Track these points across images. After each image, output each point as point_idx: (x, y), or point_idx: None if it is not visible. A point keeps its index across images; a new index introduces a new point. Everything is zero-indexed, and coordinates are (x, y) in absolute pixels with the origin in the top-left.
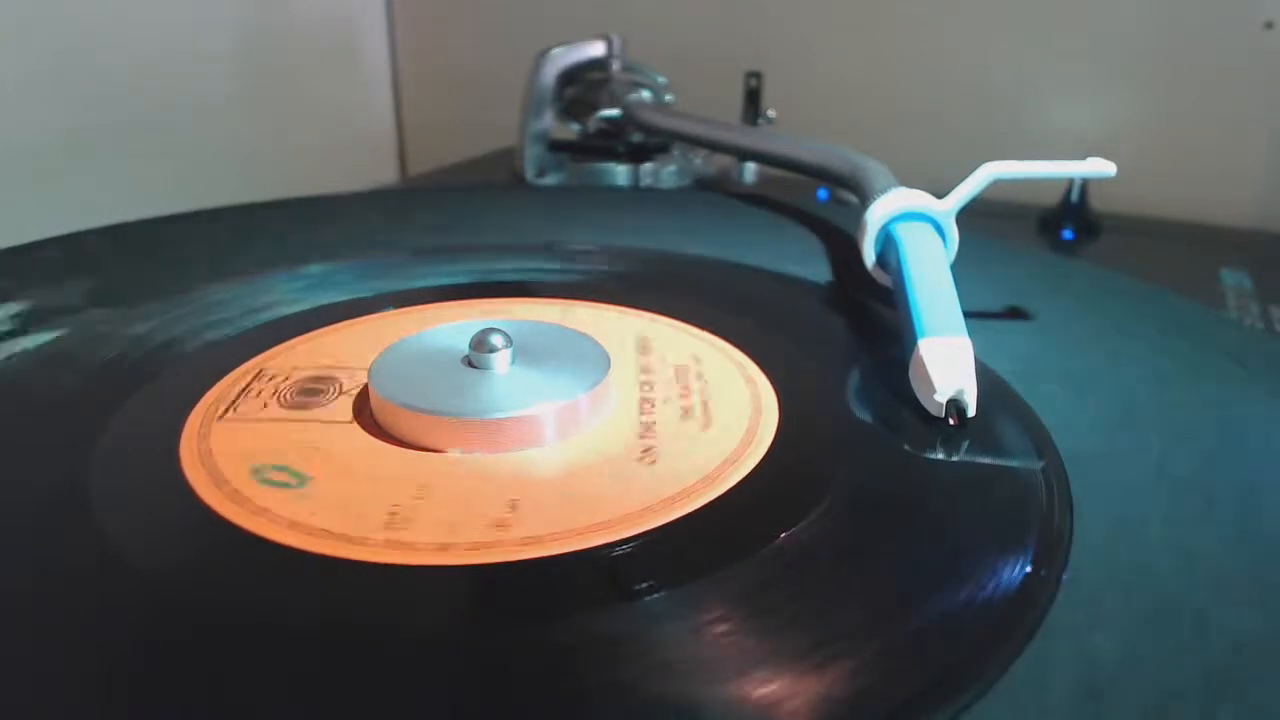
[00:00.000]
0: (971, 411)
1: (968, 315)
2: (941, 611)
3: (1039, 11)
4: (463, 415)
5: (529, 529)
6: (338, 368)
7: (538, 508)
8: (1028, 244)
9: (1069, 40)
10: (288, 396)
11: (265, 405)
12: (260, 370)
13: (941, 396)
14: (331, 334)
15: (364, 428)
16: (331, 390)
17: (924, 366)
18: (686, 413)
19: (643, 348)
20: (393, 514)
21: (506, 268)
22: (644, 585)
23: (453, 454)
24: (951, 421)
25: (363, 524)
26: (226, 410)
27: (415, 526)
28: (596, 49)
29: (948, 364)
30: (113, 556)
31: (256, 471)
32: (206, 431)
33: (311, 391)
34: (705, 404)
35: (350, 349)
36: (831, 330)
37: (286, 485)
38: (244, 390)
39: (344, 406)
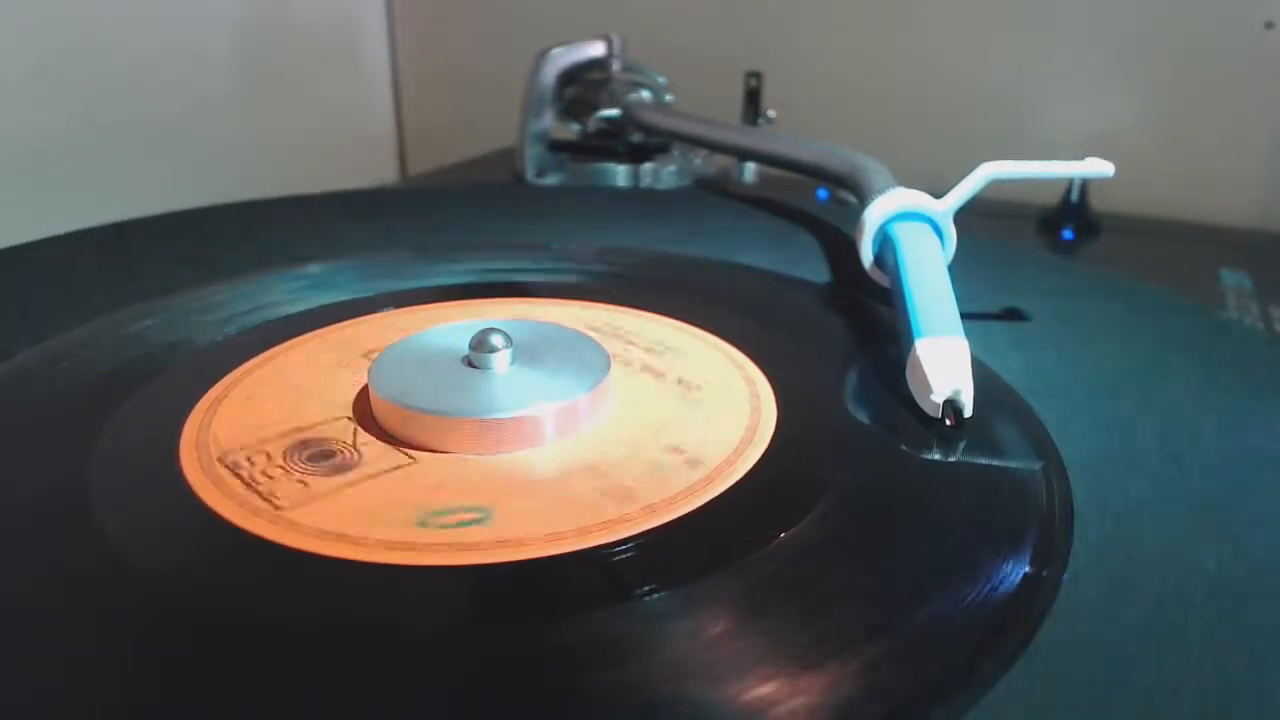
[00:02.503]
0: (968, 412)
1: (966, 316)
2: (941, 611)
3: (1039, 11)
4: (463, 415)
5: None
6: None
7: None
8: (1028, 244)
9: (1069, 40)
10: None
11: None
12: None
13: (938, 397)
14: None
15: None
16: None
17: (920, 367)
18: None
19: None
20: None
21: (506, 268)
22: (644, 586)
23: (452, 454)
24: (948, 422)
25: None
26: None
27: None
28: (596, 49)
29: (944, 364)
30: (113, 556)
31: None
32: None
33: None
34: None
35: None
36: (831, 330)
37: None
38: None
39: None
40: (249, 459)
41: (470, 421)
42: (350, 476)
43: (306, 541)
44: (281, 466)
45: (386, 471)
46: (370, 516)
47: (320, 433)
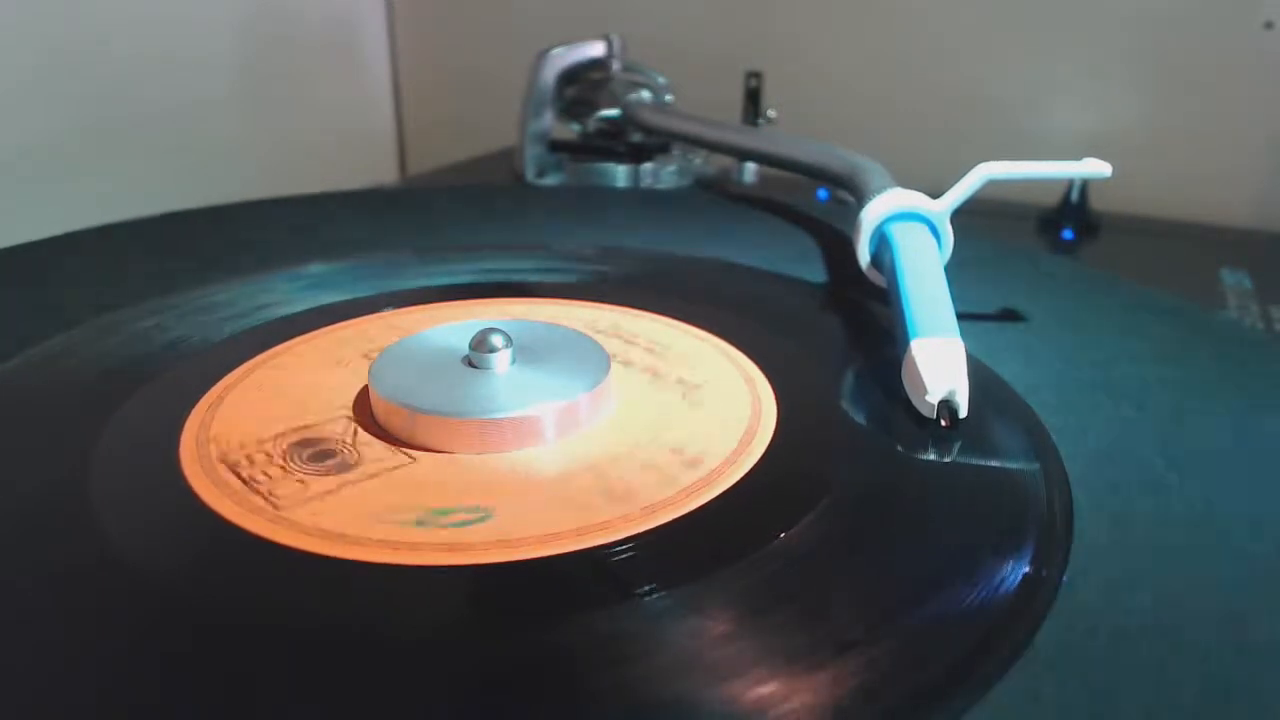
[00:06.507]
0: (963, 413)
1: (963, 316)
2: (941, 612)
3: (1039, 11)
4: (463, 415)
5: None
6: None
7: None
8: (1027, 244)
9: (1069, 40)
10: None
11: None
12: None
13: (933, 397)
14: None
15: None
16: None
17: (915, 367)
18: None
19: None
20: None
21: (506, 268)
22: (644, 586)
23: (453, 454)
24: (943, 423)
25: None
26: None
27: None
28: (596, 49)
29: (939, 365)
30: (113, 556)
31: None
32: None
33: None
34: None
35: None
36: (831, 330)
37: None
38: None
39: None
40: (249, 458)
41: (470, 421)
42: (350, 476)
43: (306, 541)
44: (281, 466)
45: (387, 471)
46: (369, 516)
47: (320, 432)
